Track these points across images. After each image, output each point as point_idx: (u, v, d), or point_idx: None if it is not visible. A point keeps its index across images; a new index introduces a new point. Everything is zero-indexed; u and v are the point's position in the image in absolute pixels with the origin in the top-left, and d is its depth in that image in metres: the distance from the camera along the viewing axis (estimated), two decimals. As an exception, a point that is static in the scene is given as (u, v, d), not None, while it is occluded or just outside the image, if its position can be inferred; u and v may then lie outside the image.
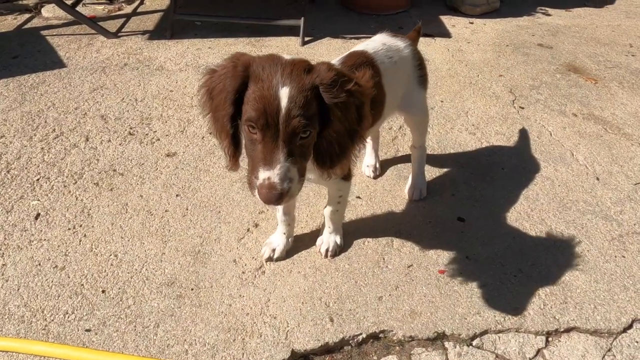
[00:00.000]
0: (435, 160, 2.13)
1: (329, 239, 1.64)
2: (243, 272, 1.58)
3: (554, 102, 2.63)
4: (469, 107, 2.55)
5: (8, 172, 1.96)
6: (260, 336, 1.39)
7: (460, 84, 2.78)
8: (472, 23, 3.65)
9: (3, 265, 1.57)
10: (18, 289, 1.49)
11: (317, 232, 1.73)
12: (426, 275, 1.59)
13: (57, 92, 2.52)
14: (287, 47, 3.16)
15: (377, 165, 2.02)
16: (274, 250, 1.61)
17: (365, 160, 2.03)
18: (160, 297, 1.49)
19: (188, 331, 1.39)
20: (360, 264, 1.63)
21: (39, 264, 1.58)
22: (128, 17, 3.50)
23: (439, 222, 1.82)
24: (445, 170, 2.09)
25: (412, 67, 1.61)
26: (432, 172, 2.06)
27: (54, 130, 2.23)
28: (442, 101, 2.60)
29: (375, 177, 2.01)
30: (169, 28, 3.17)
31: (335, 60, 1.43)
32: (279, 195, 1.02)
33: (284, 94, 1.02)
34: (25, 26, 3.28)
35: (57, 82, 2.61)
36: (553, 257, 1.68)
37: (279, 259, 1.62)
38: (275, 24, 3.20)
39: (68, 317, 1.42)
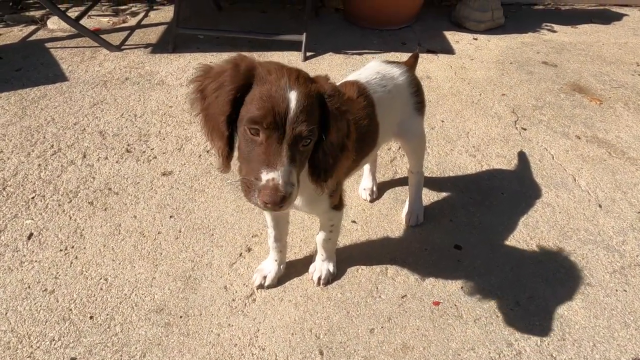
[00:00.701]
0: (434, 183, 2.10)
1: (321, 266, 1.61)
2: (233, 300, 1.56)
3: (557, 123, 2.59)
4: (470, 128, 2.51)
5: (4, 189, 1.96)
6: (248, 369, 1.36)
7: (462, 103, 2.75)
8: (476, 39, 3.62)
9: (-7, 287, 1.56)
10: (6, 313, 1.48)
11: (311, 258, 1.70)
12: (420, 307, 1.55)
13: (58, 107, 2.53)
14: (289, 62, 3.13)
15: (374, 189, 1.99)
16: (265, 278, 1.58)
17: (362, 183, 2.01)
18: (149, 325, 1.47)
19: (174, 362, 1.37)
20: (353, 293, 1.60)
21: (29, 287, 1.57)
22: (132, 29, 3.51)
23: (435, 249, 1.78)
24: (443, 194, 2.06)
25: (409, 94, 1.58)
26: (430, 196, 2.03)
27: (52, 146, 2.23)
28: (442, 121, 2.57)
29: (371, 201, 1.98)
30: (171, 42, 3.18)
31: None
32: (282, 198, 0.99)
33: (293, 97, 1.01)
34: (30, 38, 3.30)
35: (58, 96, 2.62)
36: (552, 289, 1.63)
37: (270, 287, 1.59)
38: (278, 39, 3.19)
39: (54, 344, 1.40)
